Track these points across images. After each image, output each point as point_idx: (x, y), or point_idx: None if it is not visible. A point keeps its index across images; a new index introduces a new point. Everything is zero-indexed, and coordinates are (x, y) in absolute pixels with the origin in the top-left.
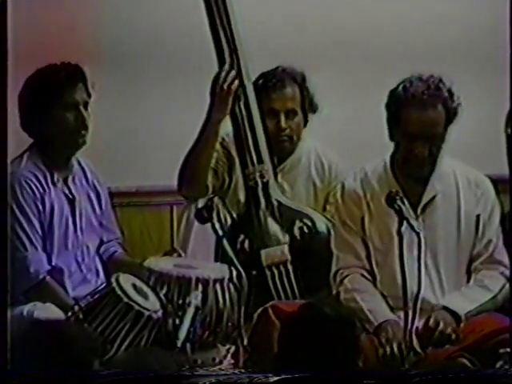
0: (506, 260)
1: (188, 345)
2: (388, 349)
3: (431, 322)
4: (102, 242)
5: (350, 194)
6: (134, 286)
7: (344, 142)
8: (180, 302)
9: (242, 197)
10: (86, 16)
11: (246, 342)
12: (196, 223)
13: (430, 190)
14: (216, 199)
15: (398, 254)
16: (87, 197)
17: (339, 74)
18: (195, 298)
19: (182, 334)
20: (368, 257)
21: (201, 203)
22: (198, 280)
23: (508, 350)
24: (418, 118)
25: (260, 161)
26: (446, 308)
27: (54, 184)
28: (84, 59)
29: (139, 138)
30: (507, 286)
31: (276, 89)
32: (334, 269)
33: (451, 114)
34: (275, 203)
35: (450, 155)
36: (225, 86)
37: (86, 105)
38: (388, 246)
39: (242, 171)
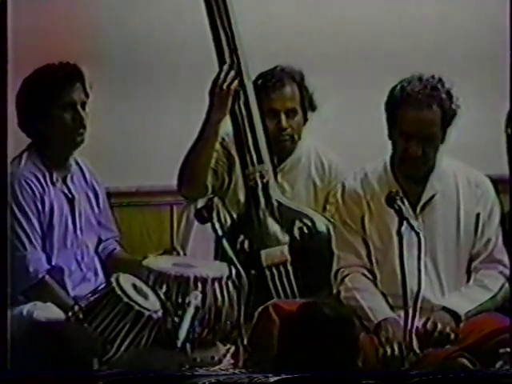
0: (506, 259)
1: (188, 344)
2: (388, 348)
3: (430, 322)
4: (100, 241)
5: (350, 193)
6: (134, 286)
7: (344, 141)
8: (179, 301)
9: (241, 197)
10: (85, 16)
11: (246, 340)
12: (196, 223)
13: (429, 190)
14: (216, 199)
15: (397, 254)
16: (86, 196)
17: (339, 73)
18: (195, 297)
19: (182, 333)
20: (368, 256)
21: (200, 203)
22: (196, 279)
23: (508, 349)
24: (413, 117)
25: (260, 161)
26: (445, 308)
27: (53, 183)
28: (83, 59)
29: (139, 138)
30: (507, 285)
31: (275, 88)
32: (334, 268)
33: (448, 115)
34: (275, 203)
35: (450, 155)
36: (224, 86)
37: (83, 104)
38: (388, 246)
39: (241, 171)
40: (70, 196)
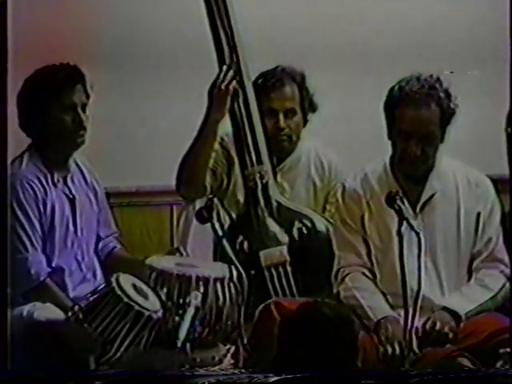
0: (507, 258)
1: (188, 344)
2: (388, 346)
3: (430, 322)
4: (99, 239)
5: (350, 193)
6: (134, 286)
7: (344, 141)
8: (180, 301)
9: (240, 197)
10: (85, 16)
11: (246, 339)
12: (194, 223)
13: (428, 189)
14: (216, 199)
15: (398, 254)
16: (86, 196)
17: (339, 73)
18: (195, 297)
19: (182, 333)
20: (368, 255)
21: (199, 203)
22: (198, 279)
23: (508, 349)
24: (411, 116)
25: (259, 161)
26: (445, 308)
27: (54, 184)
28: (83, 59)
29: (139, 138)
30: (507, 285)
31: (275, 88)
32: (335, 268)
33: (447, 114)
34: (274, 204)
35: (449, 155)
36: (223, 86)
37: (83, 106)
38: (388, 246)
39: (241, 172)
40: (70, 196)
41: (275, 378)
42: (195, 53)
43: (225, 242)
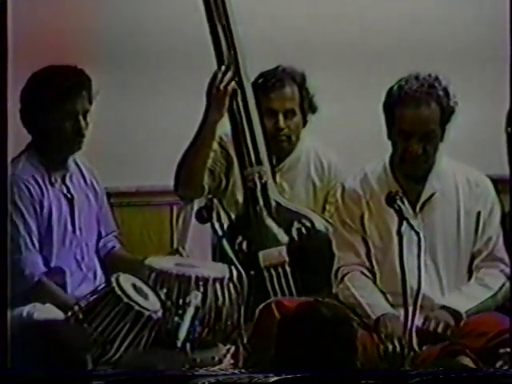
0: (507, 258)
1: (188, 344)
2: (388, 343)
3: (430, 320)
4: (99, 238)
5: (350, 193)
6: (134, 286)
7: (343, 141)
8: (180, 301)
9: (240, 198)
10: (85, 15)
11: (247, 338)
12: (193, 223)
13: (428, 188)
14: (215, 199)
15: (398, 254)
16: (85, 195)
17: (339, 73)
18: (195, 297)
19: (182, 333)
20: (368, 255)
21: (197, 203)
22: (197, 279)
23: (508, 350)
24: (412, 115)
25: (258, 162)
26: (445, 307)
27: (52, 184)
28: (83, 59)
29: (139, 138)
30: (507, 284)
31: (275, 88)
32: (334, 267)
33: (446, 112)
34: (273, 204)
35: (449, 155)
36: (221, 87)
37: (85, 113)
38: (388, 245)
39: (240, 172)
40: (68, 196)
41: (275, 378)
42: (195, 53)
43: (224, 242)
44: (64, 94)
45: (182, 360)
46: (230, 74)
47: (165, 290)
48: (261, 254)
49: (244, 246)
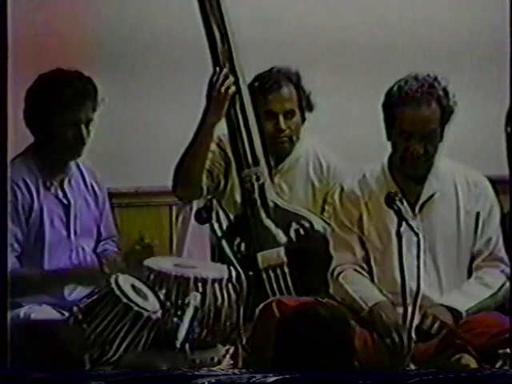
0: (507, 258)
1: (187, 345)
2: (383, 332)
3: (427, 317)
4: (98, 242)
5: (349, 194)
6: (133, 287)
7: (342, 142)
8: (179, 301)
9: (238, 198)
10: (85, 16)
11: (247, 337)
12: (191, 224)
13: (427, 189)
14: (214, 200)
15: (397, 254)
16: (84, 199)
17: (337, 74)
18: (194, 298)
19: (181, 334)
20: (366, 255)
21: (196, 204)
22: (196, 279)
23: (507, 350)
24: (412, 115)
25: (256, 163)
26: (445, 306)
27: (47, 188)
28: (83, 59)
29: (138, 138)
30: (507, 284)
31: (273, 90)
32: (331, 268)
33: (446, 112)
34: (271, 205)
35: (448, 155)
36: (222, 90)
37: (88, 122)
38: (387, 246)
39: (237, 174)
40: (64, 201)
41: (275, 378)
42: (196, 54)
43: (223, 242)
44: (69, 101)
45: (181, 360)
46: (231, 78)
47: (164, 291)
48: (259, 255)
49: (242, 247)
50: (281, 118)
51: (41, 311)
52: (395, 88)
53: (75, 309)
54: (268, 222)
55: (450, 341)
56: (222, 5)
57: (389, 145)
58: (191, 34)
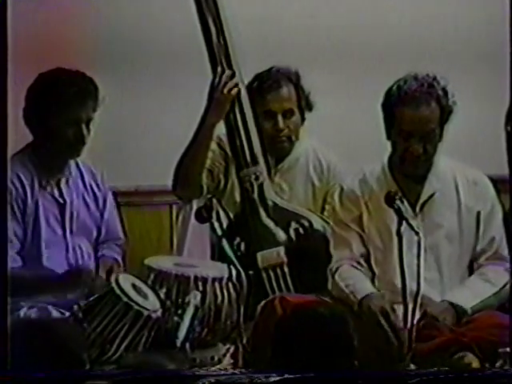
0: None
1: (187, 344)
2: (372, 322)
3: (429, 313)
4: (97, 243)
5: (349, 194)
6: (134, 286)
7: (342, 141)
8: (179, 301)
9: (238, 198)
10: (85, 16)
11: (248, 336)
12: (191, 223)
13: (428, 189)
14: (214, 199)
15: (397, 254)
16: (82, 199)
17: (337, 74)
18: (194, 297)
19: (182, 333)
20: (365, 252)
21: (196, 203)
22: (196, 278)
23: (507, 349)
24: (411, 115)
25: (255, 162)
26: (448, 302)
27: (43, 187)
28: (83, 59)
29: (138, 137)
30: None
31: (272, 90)
32: (329, 265)
33: (446, 112)
34: (271, 204)
35: (448, 155)
36: (225, 91)
37: (88, 122)
38: (387, 245)
39: (236, 173)
40: (60, 200)
41: (275, 378)
42: (195, 55)
43: (224, 241)
44: (70, 100)
45: (181, 360)
46: (235, 80)
47: (164, 290)
48: (259, 254)
49: (242, 246)
50: (279, 118)
51: (41, 311)
52: (394, 88)
53: (75, 308)
54: (267, 221)
55: (454, 338)
56: (218, 3)
57: (389, 144)
58: (191, 34)
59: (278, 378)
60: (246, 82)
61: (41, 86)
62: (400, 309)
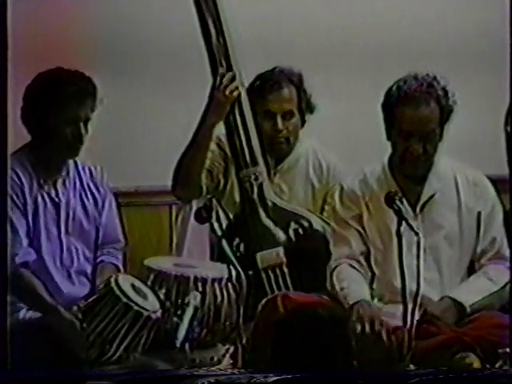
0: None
1: (187, 344)
2: (360, 329)
3: (430, 311)
4: (96, 246)
5: (349, 194)
6: (133, 286)
7: (342, 142)
8: (179, 301)
9: (238, 198)
10: (86, 16)
11: (248, 336)
12: (191, 224)
13: (428, 189)
14: (214, 200)
15: (397, 254)
16: (80, 200)
17: (337, 74)
18: (194, 298)
19: (181, 334)
20: (365, 251)
21: (195, 204)
22: (196, 279)
23: (507, 349)
24: (411, 115)
25: (254, 163)
26: (451, 298)
27: (40, 186)
28: (83, 59)
29: (138, 138)
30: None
31: (273, 90)
32: (328, 264)
33: (446, 112)
34: (270, 205)
35: (448, 155)
36: (226, 92)
37: (86, 121)
38: (387, 246)
39: (236, 174)
40: (56, 200)
41: (275, 378)
42: (196, 54)
43: (223, 242)
44: (68, 99)
45: (181, 360)
46: (237, 81)
47: (164, 291)
48: (258, 255)
49: (242, 246)
50: (279, 119)
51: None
52: (394, 88)
53: (75, 308)
54: (267, 222)
55: (456, 337)
56: (218, 4)
57: (389, 145)
58: (191, 34)
59: (277, 378)
60: (247, 83)
61: (39, 85)
62: (399, 309)
